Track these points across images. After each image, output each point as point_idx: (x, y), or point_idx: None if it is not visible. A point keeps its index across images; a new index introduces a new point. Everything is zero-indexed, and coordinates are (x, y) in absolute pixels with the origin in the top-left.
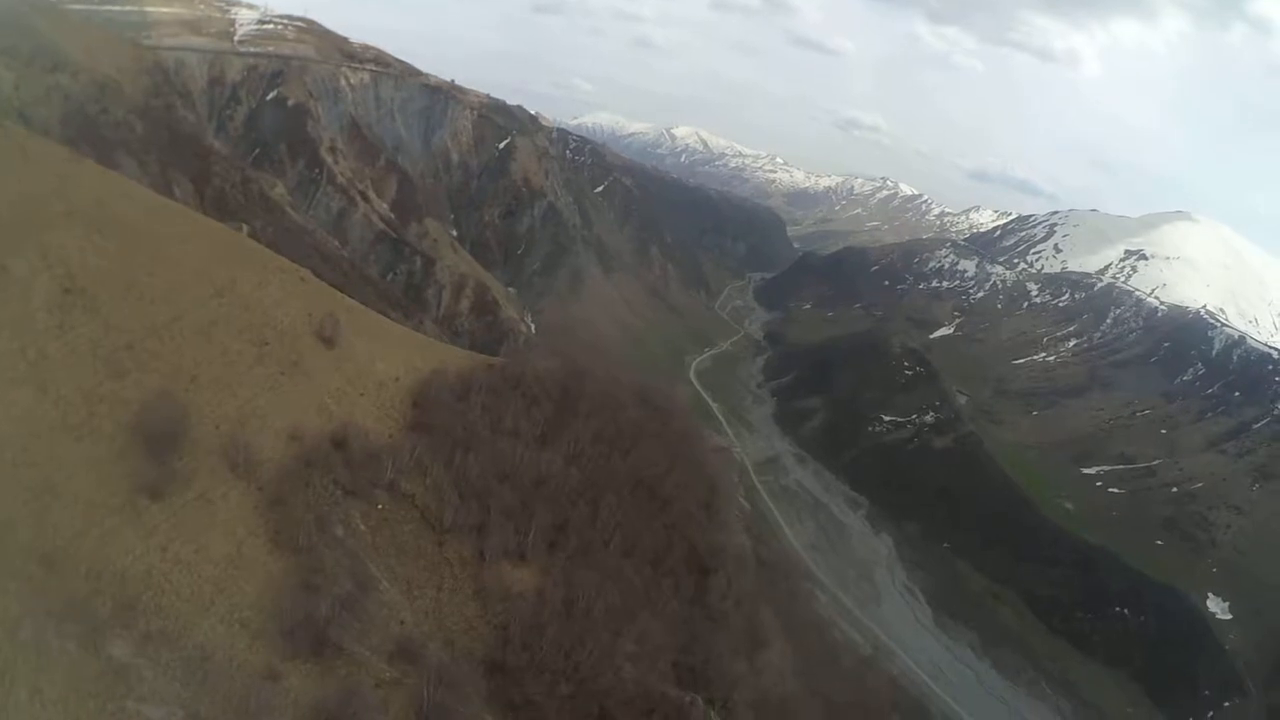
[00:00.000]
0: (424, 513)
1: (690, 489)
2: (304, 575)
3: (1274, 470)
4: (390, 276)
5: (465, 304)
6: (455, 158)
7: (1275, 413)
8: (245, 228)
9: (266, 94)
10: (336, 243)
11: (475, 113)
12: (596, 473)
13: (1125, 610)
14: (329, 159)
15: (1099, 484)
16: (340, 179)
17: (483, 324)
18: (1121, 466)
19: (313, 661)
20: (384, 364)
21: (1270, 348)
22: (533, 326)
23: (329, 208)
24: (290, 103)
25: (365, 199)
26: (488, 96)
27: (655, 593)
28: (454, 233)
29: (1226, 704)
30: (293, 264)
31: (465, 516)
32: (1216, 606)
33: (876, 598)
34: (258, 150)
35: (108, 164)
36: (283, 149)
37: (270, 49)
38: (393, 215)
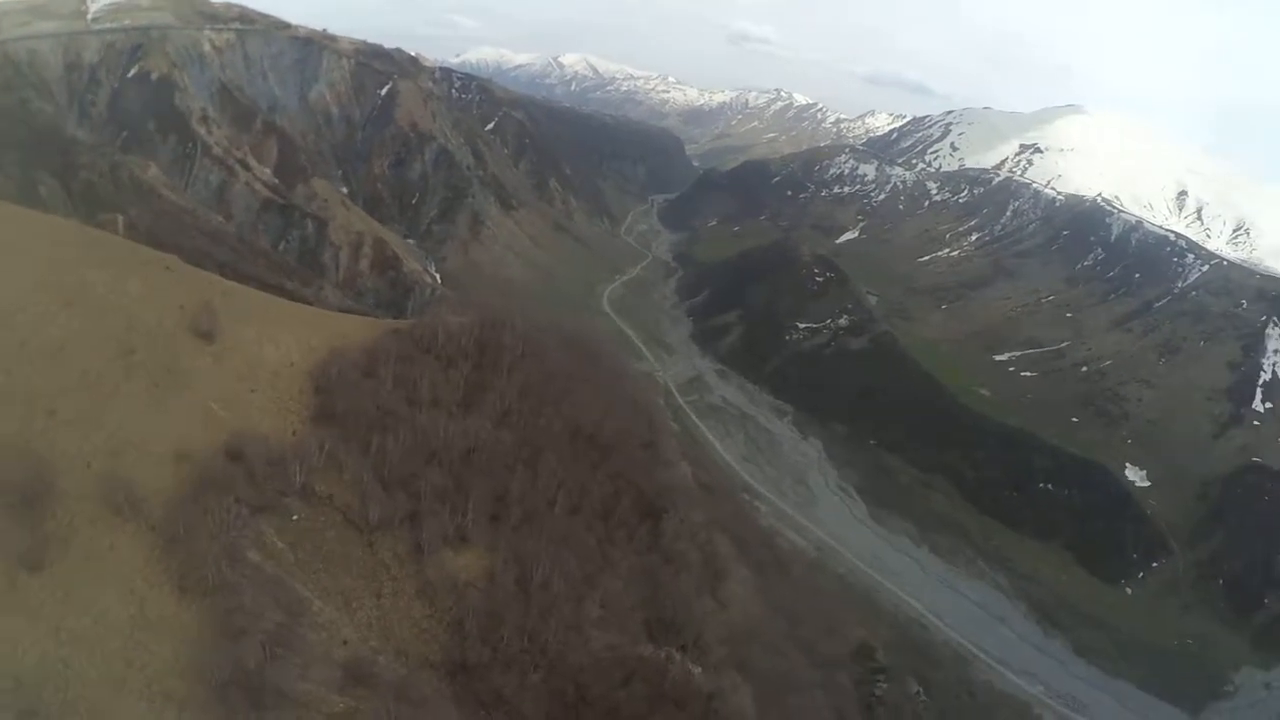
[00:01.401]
0: (346, 513)
1: (629, 430)
2: (223, 619)
3: (1178, 345)
4: (282, 246)
5: (365, 263)
6: (336, 111)
7: (1175, 291)
8: (121, 218)
9: (127, 71)
10: (220, 218)
11: (352, 61)
12: (530, 431)
13: (1050, 486)
14: (201, 130)
15: (1011, 369)
16: (216, 150)
17: (385, 281)
18: (1032, 351)
19: (255, 716)
20: (276, 349)
21: (1167, 231)
22: (437, 277)
23: (208, 182)
24: (154, 76)
25: (245, 167)
26: (363, 42)
27: (610, 548)
28: (344, 189)
29: (1154, 564)
30: (156, 252)
31: (393, 508)
32: (1135, 475)
33: (813, 500)
34: (125, 132)
35: None
36: (151, 127)
37: (126, 22)
38: (277, 180)
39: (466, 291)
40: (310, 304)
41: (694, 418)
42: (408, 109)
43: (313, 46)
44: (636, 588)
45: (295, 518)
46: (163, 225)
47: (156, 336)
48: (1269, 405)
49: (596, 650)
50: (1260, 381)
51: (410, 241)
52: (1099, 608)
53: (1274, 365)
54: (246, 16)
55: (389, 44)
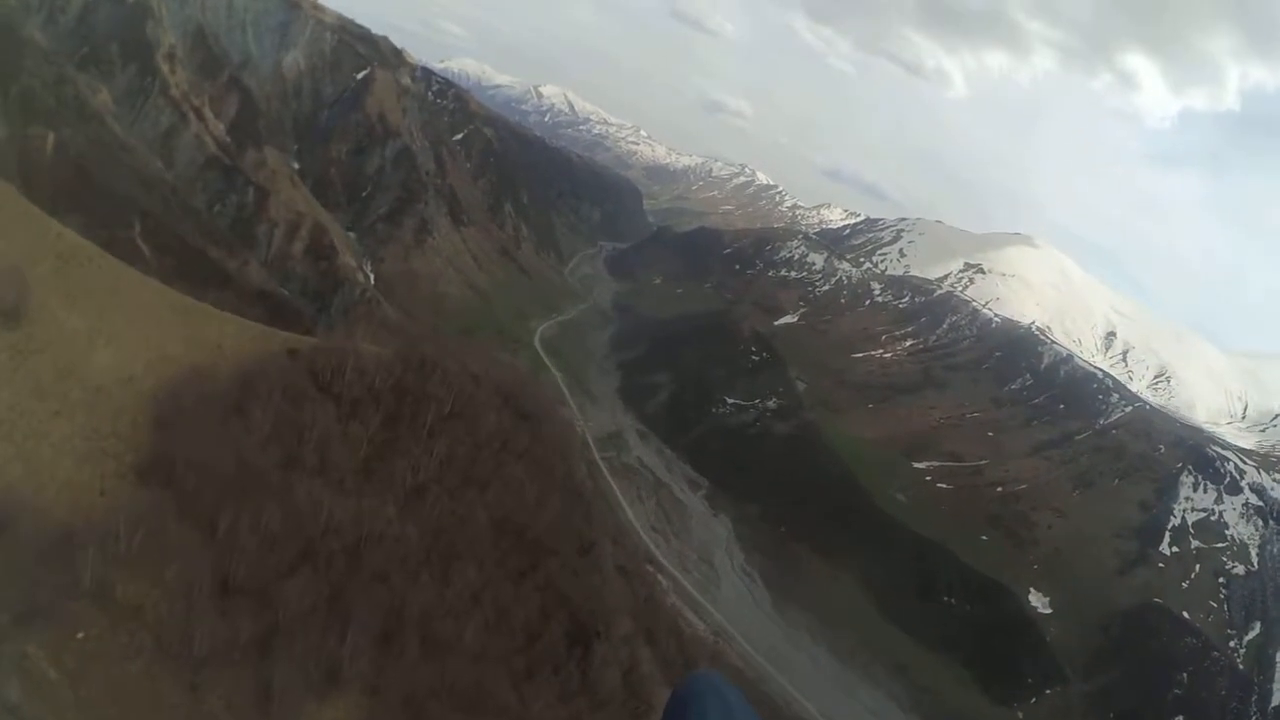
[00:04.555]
0: (161, 635)
1: (565, 524)
2: None
3: (1093, 478)
4: (217, 209)
5: (299, 246)
6: (307, 83)
7: (1096, 427)
8: (51, 136)
9: None
10: (160, 164)
11: (335, 37)
12: (446, 521)
13: (954, 600)
14: (164, 67)
15: (929, 478)
16: (174, 91)
17: (317, 270)
18: (951, 463)
19: None
20: (112, 352)
21: (1095, 368)
22: (372, 277)
23: (157, 122)
24: None
25: (200, 117)
26: (352, 21)
27: (529, 689)
28: (295, 165)
29: (1049, 691)
30: None
31: (235, 629)
32: (1038, 601)
33: (716, 581)
34: (86, 49)
35: None
36: (114, 50)
37: None
38: (229, 139)
39: (399, 300)
40: (231, 277)
41: (608, 476)
42: (379, 99)
43: (299, 12)
44: None
45: (81, 635)
46: (95, 154)
47: None
48: (1175, 549)
49: None
50: (1169, 526)
51: (351, 235)
52: None
53: (1184, 512)
54: None
55: (378, 31)
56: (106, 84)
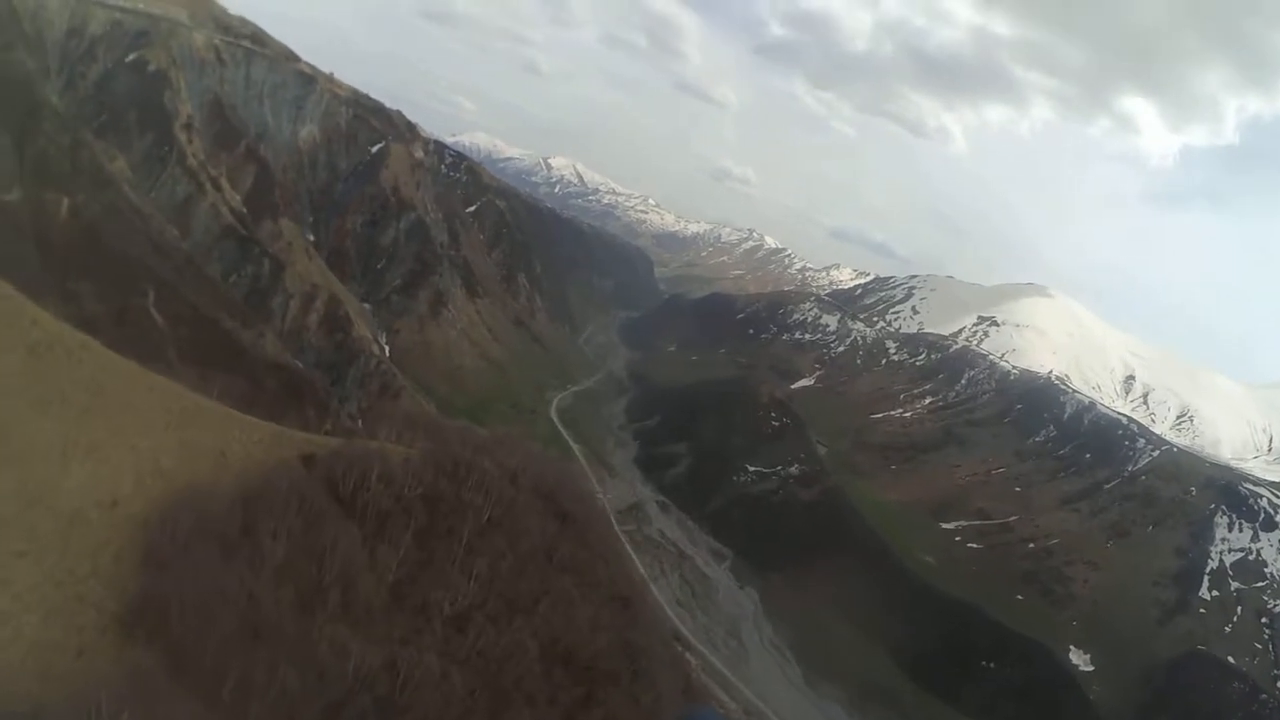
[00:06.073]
0: None
1: (617, 638)
2: None
3: (1126, 528)
4: (233, 279)
5: (314, 318)
6: (323, 156)
7: (1125, 474)
8: (66, 201)
9: (126, 55)
10: (176, 233)
11: (350, 111)
12: (491, 653)
13: (991, 664)
14: (182, 136)
15: (958, 539)
16: (191, 161)
17: (332, 342)
18: (979, 522)
19: None
20: (90, 468)
21: (1118, 414)
22: (387, 349)
23: (174, 192)
24: (150, 68)
25: (216, 187)
26: (367, 95)
27: None
28: (311, 237)
29: None
30: None
31: None
32: (1079, 659)
33: (745, 657)
34: (104, 116)
35: None
36: (132, 119)
37: (140, 5)
38: (245, 210)
39: (414, 372)
40: (245, 349)
41: (630, 551)
42: (394, 172)
43: (315, 86)
44: None
45: None
46: (110, 221)
47: None
48: (1215, 593)
49: None
50: (1207, 569)
51: (367, 306)
52: None
53: (1220, 554)
54: (259, 38)
55: (391, 105)
56: (123, 152)
